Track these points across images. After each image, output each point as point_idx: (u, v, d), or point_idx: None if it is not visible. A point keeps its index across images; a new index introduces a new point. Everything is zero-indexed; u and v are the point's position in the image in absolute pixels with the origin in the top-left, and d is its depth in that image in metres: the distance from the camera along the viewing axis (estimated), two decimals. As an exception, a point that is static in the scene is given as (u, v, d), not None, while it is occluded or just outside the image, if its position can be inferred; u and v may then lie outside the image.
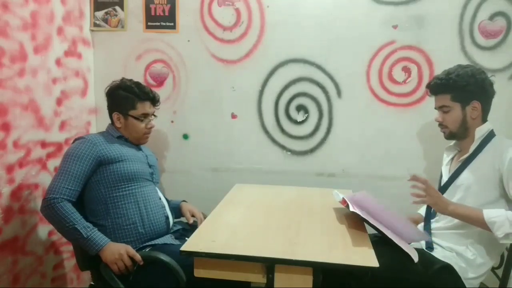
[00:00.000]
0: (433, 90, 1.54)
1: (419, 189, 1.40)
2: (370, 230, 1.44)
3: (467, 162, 1.46)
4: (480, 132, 1.46)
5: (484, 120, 1.48)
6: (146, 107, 1.69)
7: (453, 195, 1.47)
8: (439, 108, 1.53)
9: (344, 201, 1.44)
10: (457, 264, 1.39)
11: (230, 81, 2.10)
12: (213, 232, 1.33)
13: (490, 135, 1.46)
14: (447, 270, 1.37)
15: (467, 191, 1.42)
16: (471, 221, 1.36)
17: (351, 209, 1.33)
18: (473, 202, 1.40)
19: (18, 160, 1.59)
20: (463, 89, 1.44)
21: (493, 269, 1.52)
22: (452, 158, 1.61)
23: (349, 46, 2.00)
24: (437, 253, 1.44)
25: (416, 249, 1.45)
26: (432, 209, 1.56)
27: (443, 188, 1.52)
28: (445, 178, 1.56)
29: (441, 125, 1.54)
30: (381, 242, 1.43)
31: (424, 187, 1.38)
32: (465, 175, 1.46)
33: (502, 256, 1.50)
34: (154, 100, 1.74)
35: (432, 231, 1.52)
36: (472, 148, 1.46)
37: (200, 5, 2.06)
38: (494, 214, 1.30)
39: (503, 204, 1.38)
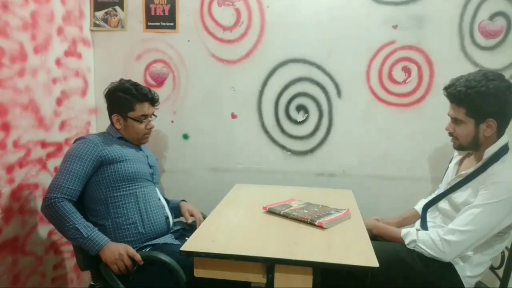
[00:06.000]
0: (449, 98, 1.43)
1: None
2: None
3: (467, 179, 1.40)
4: (488, 153, 1.37)
5: (499, 135, 1.38)
6: (145, 108, 1.69)
7: (447, 210, 1.45)
8: (452, 118, 1.44)
9: None
10: (455, 262, 1.39)
11: (230, 81, 2.10)
12: (213, 232, 1.34)
13: (500, 153, 1.36)
14: (447, 268, 1.37)
15: (458, 210, 1.39)
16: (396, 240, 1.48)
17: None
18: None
19: (18, 160, 1.59)
20: (480, 108, 1.33)
21: (493, 269, 1.52)
22: (462, 160, 1.55)
23: (349, 46, 2.00)
24: None
25: None
26: (429, 209, 1.55)
27: (441, 196, 1.50)
28: (448, 179, 1.54)
29: (451, 135, 1.46)
30: (380, 240, 1.44)
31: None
32: (460, 193, 1.42)
33: (502, 256, 1.50)
34: (153, 101, 1.73)
35: (429, 229, 1.51)
36: (477, 165, 1.39)
37: (200, 5, 2.06)
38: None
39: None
